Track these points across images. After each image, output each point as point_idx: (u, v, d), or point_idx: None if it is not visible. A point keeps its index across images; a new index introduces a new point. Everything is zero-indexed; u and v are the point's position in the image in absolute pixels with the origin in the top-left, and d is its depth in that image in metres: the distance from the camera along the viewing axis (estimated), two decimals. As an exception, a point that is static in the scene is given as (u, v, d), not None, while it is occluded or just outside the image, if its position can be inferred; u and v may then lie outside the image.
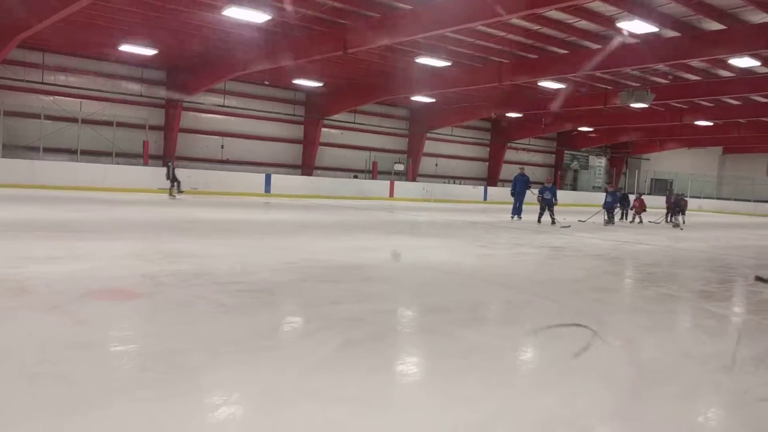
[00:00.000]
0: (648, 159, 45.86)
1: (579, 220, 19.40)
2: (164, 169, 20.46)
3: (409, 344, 4.53)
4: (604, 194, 20.66)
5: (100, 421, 2.78)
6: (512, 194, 19.29)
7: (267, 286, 6.21)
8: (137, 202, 17.38)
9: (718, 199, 41.62)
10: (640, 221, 21.60)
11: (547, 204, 17.83)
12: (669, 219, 21.79)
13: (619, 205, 20.64)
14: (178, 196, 19.87)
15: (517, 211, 18.89)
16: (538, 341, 4.74)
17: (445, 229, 14.72)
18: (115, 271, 6.42)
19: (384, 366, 3.87)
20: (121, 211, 14.27)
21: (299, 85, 26.41)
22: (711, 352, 4.79)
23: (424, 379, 3.81)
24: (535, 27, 16.86)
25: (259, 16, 15.69)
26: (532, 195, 18.68)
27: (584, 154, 42.72)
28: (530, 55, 19.82)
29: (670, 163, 44.53)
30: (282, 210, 18.34)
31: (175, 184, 20.11)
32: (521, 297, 6.63)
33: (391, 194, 29.52)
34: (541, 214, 17.90)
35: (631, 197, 22.37)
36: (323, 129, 29.06)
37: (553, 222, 17.40)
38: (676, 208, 21.36)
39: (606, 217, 19.41)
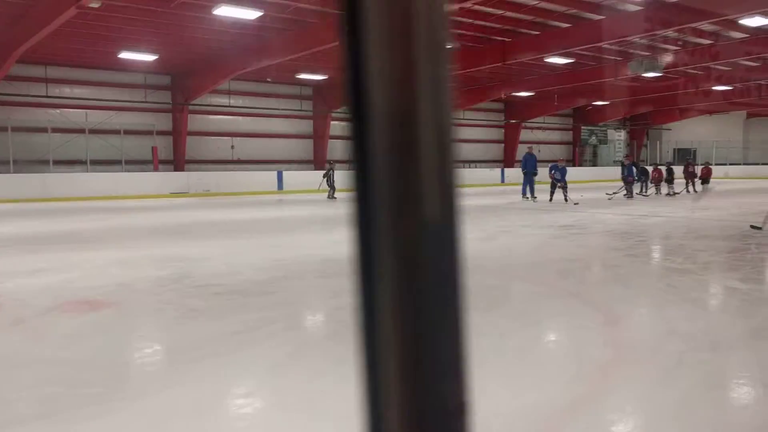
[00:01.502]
0: (669, 129, 44.82)
1: (606, 194, 18.92)
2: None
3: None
4: (620, 167, 20.33)
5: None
6: (524, 173, 18.96)
7: (246, 287, 6.05)
8: (146, 208, 17.39)
9: (745, 164, 40.55)
10: (658, 192, 21.15)
11: (561, 182, 17.47)
12: (687, 189, 21.43)
13: (637, 178, 20.05)
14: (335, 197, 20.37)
15: (530, 191, 18.58)
16: (505, 328, 4.50)
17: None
18: (95, 281, 6.32)
19: (330, 369, 3.67)
20: (125, 218, 14.25)
21: (305, 80, 26.22)
22: (701, 328, 4.52)
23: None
24: (533, 2, 16.43)
25: (249, 13, 15.52)
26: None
27: (602, 128, 41.89)
28: (533, 32, 19.36)
29: (693, 131, 43.46)
30: (291, 206, 18.23)
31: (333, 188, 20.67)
32: (504, 282, 6.40)
33: (406, 183, 29.24)
34: (552, 192, 17.54)
35: (650, 169, 21.88)
36: (332, 122, 28.86)
37: (566, 200, 17.04)
38: (668, 176, 21.22)
39: (625, 191, 19.05)
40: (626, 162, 20.08)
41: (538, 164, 19.24)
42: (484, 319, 4.86)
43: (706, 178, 22.68)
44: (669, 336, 4.35)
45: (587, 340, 4.36)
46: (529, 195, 18.46)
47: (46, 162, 21.46)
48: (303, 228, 12.06)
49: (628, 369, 3.58)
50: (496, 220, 13.03)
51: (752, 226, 10.43)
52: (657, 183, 21.17)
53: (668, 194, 20.54)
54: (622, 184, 19.78)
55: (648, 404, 3.09)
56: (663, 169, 21.63)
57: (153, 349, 3.99)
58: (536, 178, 18.92)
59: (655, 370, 3.55)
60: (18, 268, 7.12)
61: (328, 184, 20.88)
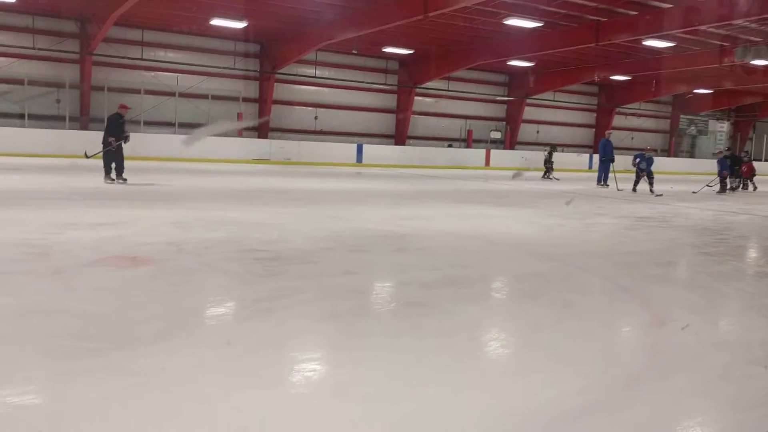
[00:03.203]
0: (779, 122, 41.76)
1: (693, 192, 17.65)
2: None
3: (389, 320, 4.14)
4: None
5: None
6: (602, 161, 18.19)
7: (290, 255, 6.01)
8: (224, 172, 17.83)
9: None
10: (747, 187, 19.84)
11: (645, 172, 16.52)
12: None
13: (727, 171, 18.65)
14: (552, 178, 21.31)
15: (604, 178, 17.96)
16: (542, 319, 4.22)
17: (526, 199, 13.98)
18: (145, 239, 6.45)
19: (338, 348, 3.53)
20: (201, 180, 14.63)
21: (390, 53, 26.01)
22: (759, 339, 4.07)
23: (375, 361, 3.30)
24: (632, -22, 15.51)
25: (336, -18, 15.45)
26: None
27: (703, 118, 39.47)
28: (630, 12, 18.31)
29: (806, 126, 40.30)
30: (367, 180, 18.19)
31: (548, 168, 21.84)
32: (562, 271, 6.04)
33: (487, 163, 28.68)
34: (636, 182, 16.65)
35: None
36: (416, 97, 28.55)
37: (652, 191, 16.11)
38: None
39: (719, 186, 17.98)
40: (719, 156, 18.73)
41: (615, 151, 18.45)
42: (524, 307, 4.62)
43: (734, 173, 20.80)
44: (719, 345, 3.94)
45: (627, 341, 4.04)
46: (603, 182, 17.79)
47: (137, 122, 22.34)
48: (366, 201, 11.97)
49: (660, 377, 3.25)
50: (571, 206, 12.50)
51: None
52: (747, 178, 19.87)
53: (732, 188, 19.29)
54: (715, 178, 18.61)
55: (667, 419, 2.78)
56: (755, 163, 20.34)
57: (164, 311, 3.96)
58: (615, 166, 18.15)
59: (689, 381, 3.21)
60: (78, 220, 7.39)
61: (545, 166, 21.87)
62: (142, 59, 22.72)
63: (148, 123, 22.56)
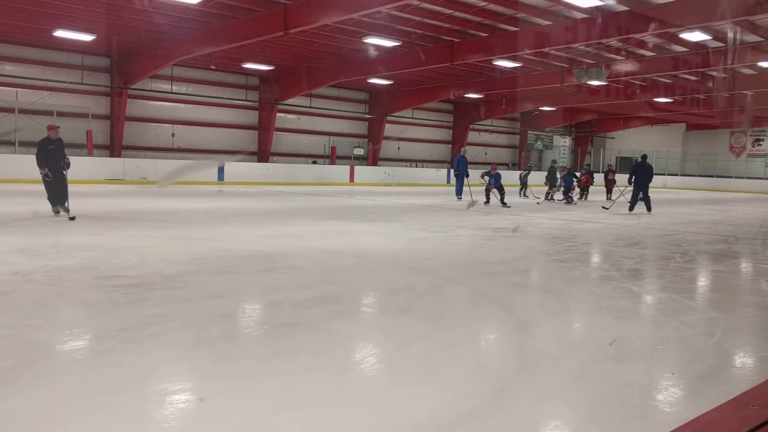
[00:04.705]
0: (613, 138, 45.84)
1: (537, 202, 18.96)
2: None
3: (262, 343, 4.05)
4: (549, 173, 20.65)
5: None
6: (455, 175, 19.08)
7: (152, 280, 5.71)
8: (74, 194, 16.60)
9: (682, 175, 41.72)
10: (587, 198, 21.63)
11: (494, 187, 17.53)
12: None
13: (573, 185, 20.18)
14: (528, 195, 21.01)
15: (459, 192, 18.79)
16: (415, 330, 4.32)
17: (391, 213, 14.28)
18: (-12, 269, 5.87)
19: (215, 372, 3.41)
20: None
21: (251, 69, 25.66)
22: (609, 338, 4.41)
23: (251, 387, 3.24)
24: (481, 3, 16.39)
25: (191, -3, 15.02)
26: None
27: (548, 134, 42.51)
28: (481, 34, 19.35)
29: (635, 141, 44.48)
30: (229, 198, 17.76)
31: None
32: (431, 282, 6.23)
33: (352, 179, 28.98)
34: (487, 196, 17.57)
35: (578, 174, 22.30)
36: (279, 114, 28.34)
37: (503, 203, 17.03)
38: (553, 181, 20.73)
39: (565, 198, 19.32)
40: (561, 173, 20.16)
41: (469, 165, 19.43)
42: (397, 319, 4.69)
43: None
44: (577, 345, 4.24)
45: (494, 347, 4.22)
46: (462, 196, 18.60)
47: (-30, 141, 20.41)
48: (229, 221, 11.65)
49: (526, 380, 3.43)
50: (433, 219, 12.92)
51: (603, 207, 15.88)
52: (584, 188, 21.62)
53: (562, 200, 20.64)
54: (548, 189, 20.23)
55: (534, 421, 2.94)
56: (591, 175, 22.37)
57: (13, 348, 3.62)
58: (470, 180, 19.05)
59: (553, 382, 3.41)
60: None
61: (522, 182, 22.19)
62: (-27, 72, 20.77)
63: (-18, 141, 20.62)
